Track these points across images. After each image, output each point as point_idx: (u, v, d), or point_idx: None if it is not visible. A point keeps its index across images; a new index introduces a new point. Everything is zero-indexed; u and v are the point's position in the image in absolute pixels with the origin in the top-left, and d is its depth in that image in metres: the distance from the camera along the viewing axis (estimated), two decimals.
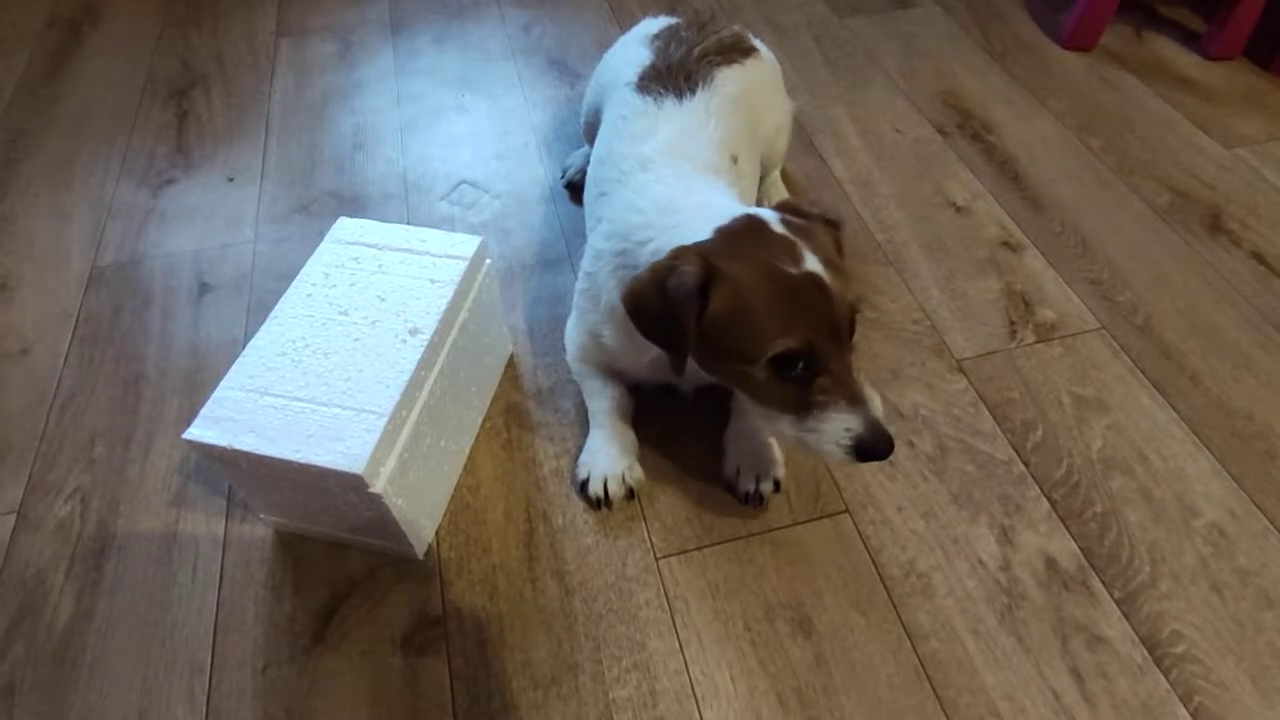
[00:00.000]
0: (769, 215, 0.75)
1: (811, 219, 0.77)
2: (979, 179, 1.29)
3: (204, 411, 0.75)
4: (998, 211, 1.24)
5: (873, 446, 0.69)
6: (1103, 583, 0.83)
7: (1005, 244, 1.19)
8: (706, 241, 0.73)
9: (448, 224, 1.25)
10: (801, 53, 1.56)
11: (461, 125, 1.43)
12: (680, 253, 0.71)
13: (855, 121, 1.41)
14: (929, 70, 1.52)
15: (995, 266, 1.16)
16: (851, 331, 0.72)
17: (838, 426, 0.70)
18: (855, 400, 0.70)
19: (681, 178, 0.85)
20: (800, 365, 0.69)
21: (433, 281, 0.85)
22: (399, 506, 0.76)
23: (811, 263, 0.70)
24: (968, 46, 1.57)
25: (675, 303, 0.69)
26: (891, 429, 0.73)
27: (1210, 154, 1.31)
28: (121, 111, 1.49)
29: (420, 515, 0.84)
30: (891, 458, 0.74)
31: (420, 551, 0.85)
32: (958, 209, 1.25)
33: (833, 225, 0.78)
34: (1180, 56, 1.52)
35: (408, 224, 1.24)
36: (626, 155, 0.90)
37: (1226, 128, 1.36)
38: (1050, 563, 0.85)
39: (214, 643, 0.81)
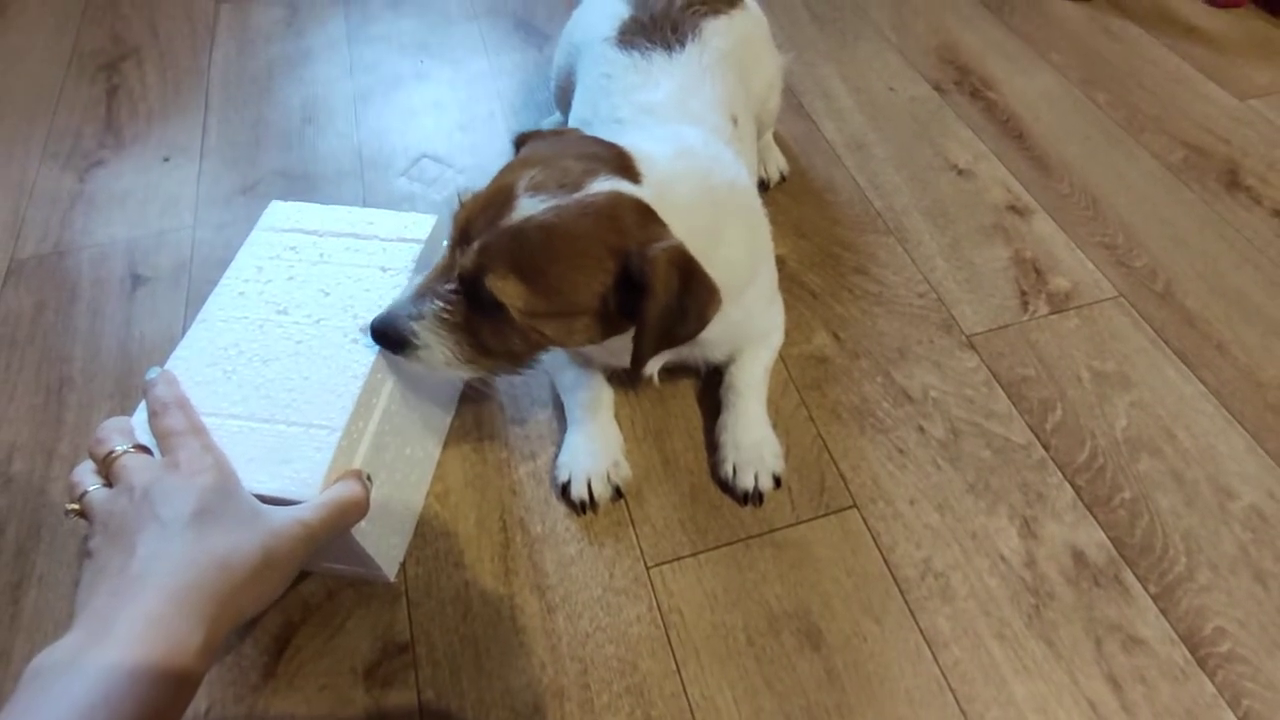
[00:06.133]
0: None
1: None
2: (981, 139, 1.20)
3: None
4: (1002, 173, 1.15)
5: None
6: (1136, 576, 0.76)
7: (1012, 208, 1.10)
8: None
9: (408, 202, 1.15)
10: (785, 8, 1.46)
11: (421, 95, 1.32)
12: None
13: (846, 80, 1.31)
14: (922, 24, 1.42)
15: (1003, 233, 1.07)
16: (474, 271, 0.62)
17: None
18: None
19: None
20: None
21: (384, 269, 0.75)
22: (364, 530, 0.67)
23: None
24: None
25: None
26: (411, 322, 0.65)
27: (1223, 106, 1.23)
28: (44, 87, 1.35)
29: (389, 534, 0.74)
30: (410, 354, 0.66)
31: (392, 574, 0.76)
32: (960, 172, 1.16)
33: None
34: (1185, 4, 1.43)
35: (364, 203, 1.14)
36: (622, 105, 0.81)
37: (1239, 78, 1.28)
38: (1078, 556, 0.78)
39: None
